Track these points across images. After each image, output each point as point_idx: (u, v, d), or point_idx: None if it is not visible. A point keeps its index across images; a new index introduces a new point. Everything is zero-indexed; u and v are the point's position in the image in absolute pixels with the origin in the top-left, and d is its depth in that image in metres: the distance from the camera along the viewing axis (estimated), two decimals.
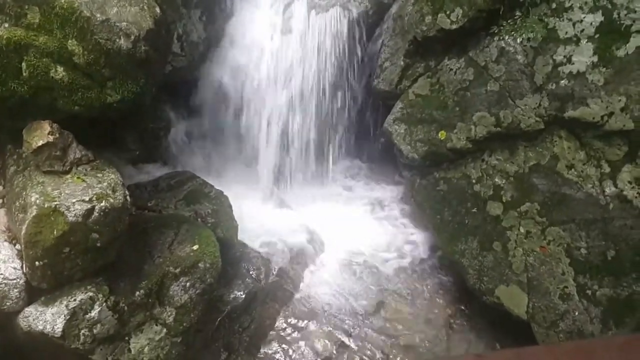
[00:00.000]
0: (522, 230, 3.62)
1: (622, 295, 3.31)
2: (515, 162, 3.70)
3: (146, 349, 2.93)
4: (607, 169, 3.40)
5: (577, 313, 3.39)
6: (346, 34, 4.66)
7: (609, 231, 3.36)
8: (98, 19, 2.87)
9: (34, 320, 2.65)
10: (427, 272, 4.40)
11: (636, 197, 3.31)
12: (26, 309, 2.68)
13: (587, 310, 3.37)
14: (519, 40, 3.58)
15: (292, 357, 3.66)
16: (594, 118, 3.37)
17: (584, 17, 3.40)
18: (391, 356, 3.73)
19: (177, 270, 3.10)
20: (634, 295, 3.28)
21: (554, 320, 3.45)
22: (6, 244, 2.81)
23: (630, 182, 3.33)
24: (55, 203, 2.65)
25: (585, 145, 3.49)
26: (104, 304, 2.77)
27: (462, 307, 4.13)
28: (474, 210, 3.86)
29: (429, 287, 4.28)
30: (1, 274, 2.64)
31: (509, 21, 3.63)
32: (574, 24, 3.43)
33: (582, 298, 3.39)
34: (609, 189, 3.38)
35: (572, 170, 3.48)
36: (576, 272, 3.43)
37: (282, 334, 3.80)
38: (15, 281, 2.66)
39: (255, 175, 4.97)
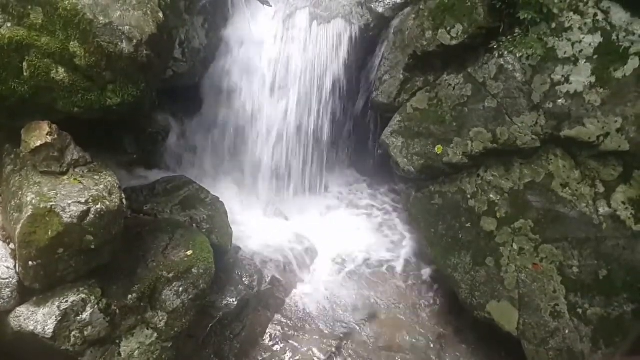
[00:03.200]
0: (515, 246, 3.63)
1: (613, 315, 3.33)
2: (510, 178, 3.72)
3: (136, 352, 2.92)
4: (602, 189, 3.43)
5: (567, 331, 3.40)
6: (347, 46, 4.69)
7: (602, 251, 3.38)
8: (101, 21, 2.88)
9: (25, 320, 2.64)
10: (419, 284, 4.41)
11: (629, 218, 3.33)
12: (18, 308, 2.67)
13: (578, 328, 3.38)
14: (517, 58, 3.61)
15: None
16: (589, 138, 3.40)
17: (583, 38, 3.43)
18: None
19: (171, 275, 3.09)
20: (625, 316, 3.30)
21: (544, 337, 3.46)
22: (0, 243, 2.80)
23: (624, 203, 3.36)
24: (51, 204, 2.65)
25: (580, 164, 3.51)
26: (96, 307, 2.77)
27: (453, 321, 4.14)
28: (468, 225, 3.87)
29: (421, 299, 4.29)
30: None
31: (508, 37, 3.66)
32: (572, 44, 3.46)
33: (573, 316, 3.41)
34: (603, 209, 3.40)
35: (567, 188, 3.51)
36: (567, 290, 3.44)
37: (273, 341, 3.80)
38: (7, 280, 2.65)
39: (252, 183, 4.98)
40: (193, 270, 3.18)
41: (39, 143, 2.88)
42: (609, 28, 3.38)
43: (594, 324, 3.36)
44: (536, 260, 3.55)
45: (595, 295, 3.37)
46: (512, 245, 3.65)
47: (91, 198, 2.76)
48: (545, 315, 3.47)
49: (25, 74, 2.85)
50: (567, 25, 3.48)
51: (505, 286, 3.63)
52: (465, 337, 4.01)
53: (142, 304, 2.98)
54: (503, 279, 3.64)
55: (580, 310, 3.40)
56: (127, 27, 2.93)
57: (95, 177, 2.99)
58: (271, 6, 4.81)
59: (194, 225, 3.69)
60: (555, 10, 3.50)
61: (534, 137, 3.58)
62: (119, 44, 2.91)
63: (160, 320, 3.02)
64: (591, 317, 3.37)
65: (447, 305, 4.22)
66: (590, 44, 3.41)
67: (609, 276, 3.36)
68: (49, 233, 2.60)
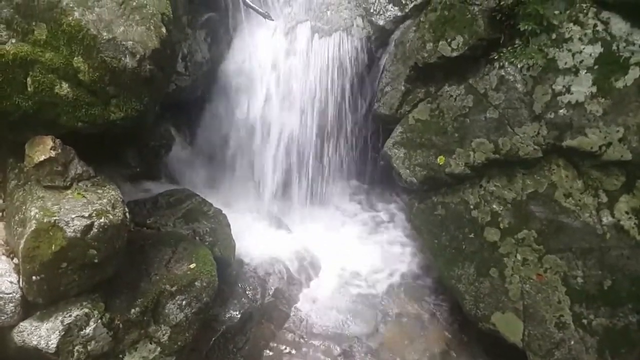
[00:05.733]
0: (519, 257, 3.62)
1: (618, 325, 3.31)
2: (513, 189, 3.72)
3: None
4: (605, 199, 3.42)
5: (572, 342, 3.38)
6: (348, 58, 4.71)
7: (606, 261, 3.37)
8: (104, 37, 2.91)
9: (28, 335, 2.64)
10: (423, 295, 4.39)
11: (633, 228, 3.32)
12: (21, 323, 2.67)
13: (583, 339, 3.36)
14: (518, 69, 3.62)
15: None
16: (592, 148, 3.40)
17: (583, 48, 3.45)
18: None
19: (174, 289, 3.09)
20: (630, 326, 3.28)
21: (549, 349, 3.44)
22: (4, 257, 2.80)
23: (627, 213, 3.35)
24: (55, 218, 2.66)
25: (583, 174, 3.51)
26: (99, 321, 2.77)
27: (458, 332, 4.11)
28: (472, 235, 3.87)
29: (425, 310, 4.27)
30: None
31: (509, 48, 3.68)
32: (573, 55, 3.47)
33: (578, 327, 3.39)
34: (606, 219, 3.40)
35: (570, 199, 3.50)
36: (572, 301, 3.43)
37: (277, 355, 3.78)
38: (11, 295, 2.65)
39: (254, 195, 4.98)
40: (196, 283, 3.18)
41: (42, 157, 2.90)
42: (609, 38, 3.39)
43: (599, 334, 3.34)
44: (540, 270, 3.54)
45: (600, 305, 3.36)
46: (515, 256, 3.64)
47: (95, 212, 2.76)
48: (550, 326, 3.45)
49: (29, 89, 2.87)
50: (567, 36, 3.50)
51: (510, 297, 3.61)
52: (470, 349, 3.99)
53: (145, 318, 2.98)
54: (507, 289, 3.63)
55: (585, 321, 3.38)
56: (131, 42, 2.96)
57: (99, 191, 3.01)
58: (273, 20, 4.84)
59: (197, 238, 3.70)
60: (555, 22, 3.51)
61: (536, 147, 3.58)
62: (123, 59, 2.93)
63: (164, 335, 3.01)
64: (596, 327, 3.35)
65: (451, 316, 4.20)
66: (590, 54, 3.43)
67: (613, 286, 3.34)
68: (53, 247, 2.60)
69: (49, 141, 2.95)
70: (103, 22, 2.94)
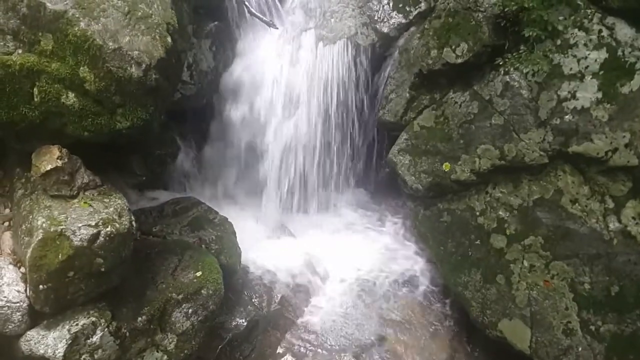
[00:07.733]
0: (525, 263, 3.61)
1: (626, 331, 3.29)
2: (519, 195, 3.71)
3: None
4: (611, 205, 3.41)
5: (580, 349, 3.36)
6: (353, 66, 4.72)
7: (613, 266, 3.35)
8: (110, 47, 2.92)
9: (35, 344, 2.64)
10: (429, 302, 4.37)
11: None
12: (28, 332, 2.68)
13: (591, 346, 3.34)
14: (523, 75, 3.62)
15: None
16: (598, 153, 3.39)
17: (588, 54, 3.45)
18: None
19: (180, 297, 3.10)
20: (638, 332, 3.26)
21: (557, 355, 3.41)
22: (11, 267, 2.81)
23: (634, 218, 3.34)
24: (61, 227, 2.67)
25: (589, 180, 3.50)
26: (106, 329, 2.77)
27: (465, 340, 4.09)
28: (478, 242, 3.86)
29: (431, 317, 4.25)
30: (5, 297, 2.65)
31: (513, 54, 3.68)
32: (578, 61, 3.47)
33: (586, 333, 3.37)
34: (613, 225, 3.38)
35: (576, 204, 3.49)
36: (580, 307, 3.41)
37: None
38: (18, 304, 2.66)
39: (260, 202, 4.98)
40: (202, 291, 3.19)
41: (49, 167, 2.91)
42: (614, 44, 3.39)
43: (607, 341, 3.32)
44: (547, 277, 3.52)
45: (608, 311, 3.34)
46: (522, 262, 3.63)
47: (101, 221, 2.77)
48: (557, 332, 3.43)
49: (35, 99, 2.88)
50: (572, 41, 3.50)
51: (517, 304, 3.59)
52: (477, 356, 3.97)
53: (151, 326, 2.98)
54: (514, 296, 3.61)
55: (592, 327, 3.36)
56: (136, 52, 2.97)
57: (105, 200, 3.02)
58: (277, 28, 4.86)
59: (203, 246, 3.70)
60: (560, 27, 3.52)
61: (541, 153, 3.58)
62: (128, 68, 2.94)
63: (170, 343, 3.01)
64: (604, 334, 3.33)
65: (458, 324, 4.18)
66: (595, 60, 3.43)
67: (620, 292, 3.33)
68: (60, 256, 2.61)
69: (55, 151, 2.96)
70: (109, 32, 2.96)
